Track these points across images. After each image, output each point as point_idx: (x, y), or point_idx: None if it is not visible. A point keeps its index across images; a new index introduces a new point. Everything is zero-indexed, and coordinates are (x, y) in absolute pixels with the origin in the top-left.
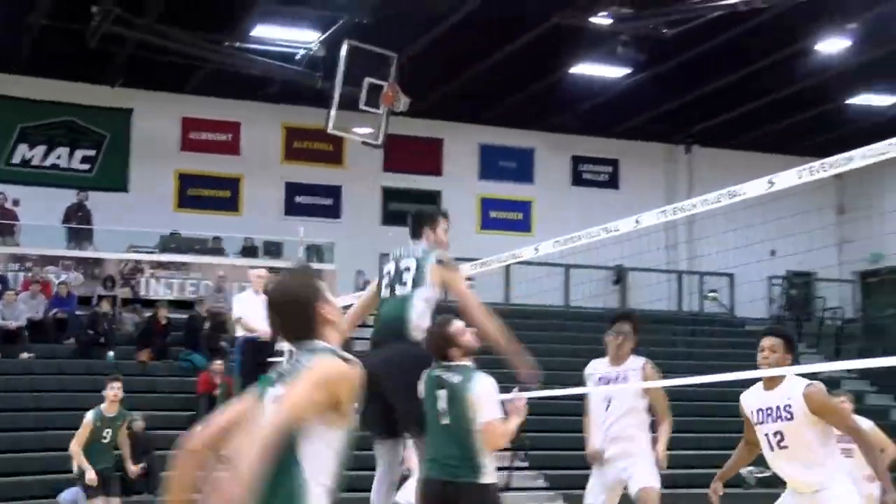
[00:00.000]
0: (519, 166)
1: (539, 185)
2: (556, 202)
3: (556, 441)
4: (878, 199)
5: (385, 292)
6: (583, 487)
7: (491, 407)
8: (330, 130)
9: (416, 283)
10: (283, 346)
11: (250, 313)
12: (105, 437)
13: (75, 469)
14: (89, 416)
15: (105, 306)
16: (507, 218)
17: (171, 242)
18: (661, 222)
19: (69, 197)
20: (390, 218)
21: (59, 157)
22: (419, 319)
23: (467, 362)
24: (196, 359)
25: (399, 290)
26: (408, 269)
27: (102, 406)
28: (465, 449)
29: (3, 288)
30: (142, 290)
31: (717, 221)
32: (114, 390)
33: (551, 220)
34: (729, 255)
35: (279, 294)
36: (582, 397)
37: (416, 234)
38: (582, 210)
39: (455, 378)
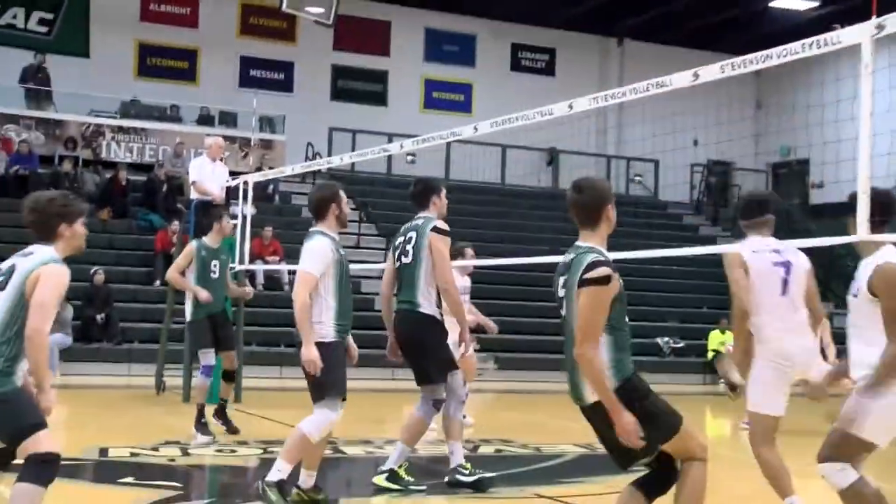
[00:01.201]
0: (461, 50)
1: (480, 69)
2: (496, 86)
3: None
4: (792, 95)
5: (395, 264)
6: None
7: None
8: (284, 8)
9: (416, 252)
10: (235, 208)
11: (205, 177)
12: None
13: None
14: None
15: (67, 166)
16: (449, 99)
17: (132, 109)
18: (593, 108)
19: (27, 58)
20: (339, 94)
21: (14, 17)
22: (426, 286)
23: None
24: (154, 219)
25: (404, 260)
26: (410, 239)
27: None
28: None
29: None
30: (103, 153)
31: (645, 110)
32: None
33: (490, 102)
34: (655, 142)
35: (587, 194)
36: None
37: (422, 204)
38: (519, 94)
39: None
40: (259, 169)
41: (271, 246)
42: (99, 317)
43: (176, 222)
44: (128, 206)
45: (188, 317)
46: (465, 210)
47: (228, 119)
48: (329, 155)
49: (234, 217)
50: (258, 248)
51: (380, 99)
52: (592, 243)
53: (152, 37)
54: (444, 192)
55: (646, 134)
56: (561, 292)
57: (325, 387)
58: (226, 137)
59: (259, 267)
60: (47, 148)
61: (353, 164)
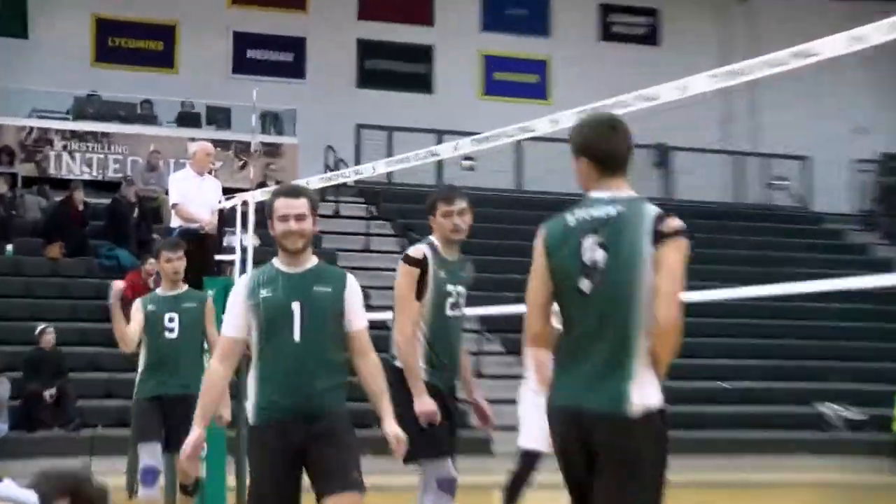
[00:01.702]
0: (532, 14)
1: (557, 40)
2: (580, 61)
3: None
4: None
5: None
6: None
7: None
8: None
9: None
10: (233, 240)
11: (189, 198)
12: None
13: None
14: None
15: (1, 186)
16: (517, 81)
17: (89, 106)
18: (714, 89)
19: None
20: (368, 79)
21: None
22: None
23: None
24: (122, 255)
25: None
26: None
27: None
28: None
29: None
30: (51, 167)
31: (787, 89)
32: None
33: (573, 84)
34: (802, 133)
35: (623, 132)
36: None
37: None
38: (612, 72)
39: None
40: (263, 184)
41: None
42: (48, 393)
43: (152, 260)
44: (86, 239)
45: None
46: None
47: (219, 117)
48: (357, 162)
49: (230, 250)
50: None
51: (423, 84)
52: (633, 192)
53: (115, 10)
54: (443, 206)
55: (789, 122)
56: (596, 255)
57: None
58: (216, 142)
59: None
60: None
61: (389, 173)
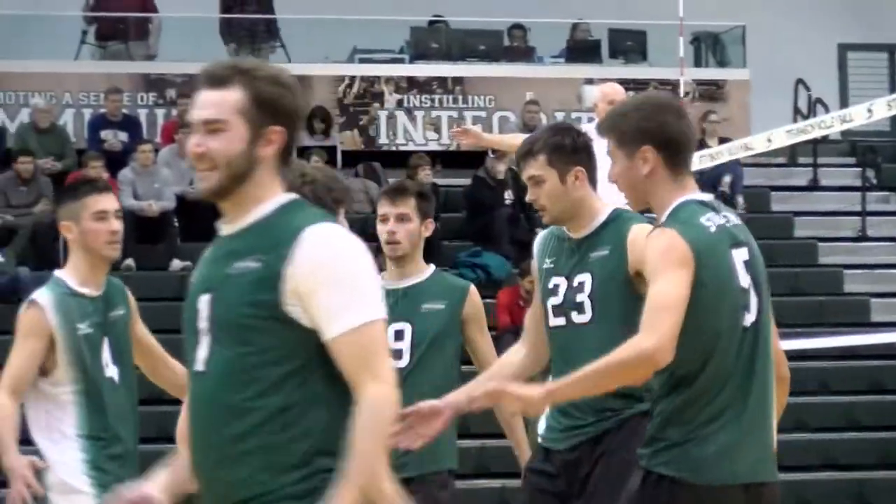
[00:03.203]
0: None
1: None
2: None
3: None
4: None
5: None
6: None
7: None
8: None
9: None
10: None
11: None
12: None
13: None
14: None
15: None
16: None
17: (431, 40)
18: None
19: None
20: None
21: None
22: None
23: None
24: (492, 262)
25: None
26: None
27: None
28: None
29: None
30: (381, 136)
31: None
32: None
33: None
34: None
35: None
36: None
37: None
38: None
39: None
40: (701, 144)
41: None
42: None
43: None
44: (436, 240)
45: None
46: None
47: (627, 45)
48: (843, 105)
49: None
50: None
51: None
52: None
53: None
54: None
55: None
56: (744, 281)
57: None
58: (625, 84)
59: None
60: None
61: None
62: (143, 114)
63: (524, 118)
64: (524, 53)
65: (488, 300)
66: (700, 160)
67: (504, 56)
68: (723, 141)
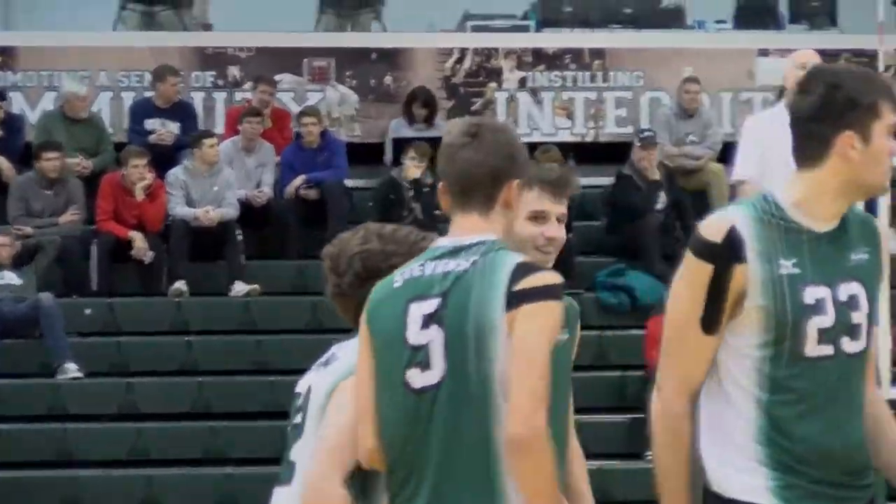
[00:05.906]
0: None
1: None
2: None
3: None
4: None
5: None
6: None
7: None
8: None
9: None
10: None
11: (773, 164)
12: None
13: None
14: None
15: (416, 167)
16: None
17: (560, 5)
18: None
19: None
20: None
21: None
22: None
23: None
24: (639, 283)
25: None
26: None
27: None
28: None
29: None
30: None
31: None
32: None
33: None
34: None
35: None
36: None
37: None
38: None
39: None
40: None
41: None
42: None
43: None
44: (568, 255)
45: None
46: None
47: (812, 8)
48: None
49: None
50: None
51: None
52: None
53: None
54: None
55: None
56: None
57: None
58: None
59: None
60: None
61: None
62: (198, 98)
63: (681, 100)
64: (681, 18)
65: (634, 331)
66: None
67: (656, 22)
68: None
